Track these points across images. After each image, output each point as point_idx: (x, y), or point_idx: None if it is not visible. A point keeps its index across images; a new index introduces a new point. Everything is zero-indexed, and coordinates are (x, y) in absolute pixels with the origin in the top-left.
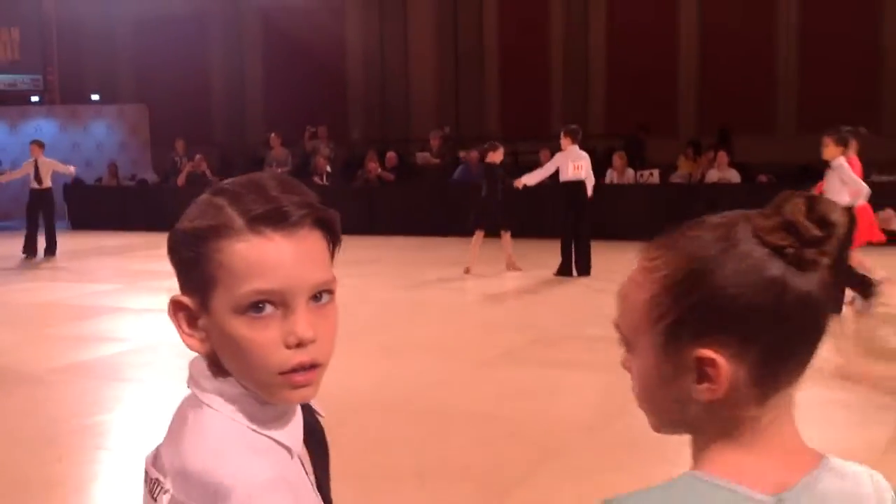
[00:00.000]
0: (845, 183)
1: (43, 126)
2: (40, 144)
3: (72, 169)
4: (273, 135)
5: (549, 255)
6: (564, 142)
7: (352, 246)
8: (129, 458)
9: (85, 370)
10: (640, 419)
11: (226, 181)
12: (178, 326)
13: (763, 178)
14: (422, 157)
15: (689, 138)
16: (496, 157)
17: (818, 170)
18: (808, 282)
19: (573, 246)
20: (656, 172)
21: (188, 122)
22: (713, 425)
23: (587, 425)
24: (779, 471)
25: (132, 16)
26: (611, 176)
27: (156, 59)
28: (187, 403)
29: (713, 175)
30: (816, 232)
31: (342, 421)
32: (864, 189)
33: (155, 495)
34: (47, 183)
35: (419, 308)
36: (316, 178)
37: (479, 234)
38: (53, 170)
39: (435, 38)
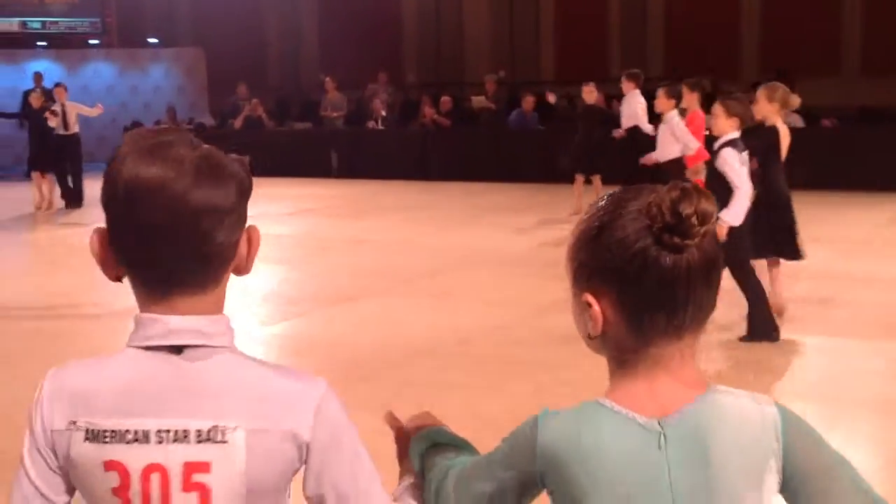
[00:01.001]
0: (676, 136)
1: (101, 69)
2: (64, 88)
3: (96, 111)
4: (328, 78)
5: None
6: (627, 86)
7: (406, 191)
8: None
9: None
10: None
11: None
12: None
13: (826, 122)
14: (477, 101)
15: (751, 82)
16: (591, 97)
17: (881, 112)
18: (674, 260)
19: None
20: None
21: (244, 66)
22: (609, 356)
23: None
24: (665, 399)
25: None
26: None
27: (212, 2)
28: (204, 364)
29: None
30: (670, 219)
31: (396, 364)
32: (693, 143)
33: (218, 439)
34: (74, 128)
35: (474, 255)
36: (371, 123)
37: (578, 179)
38: (79, 113)
39: None
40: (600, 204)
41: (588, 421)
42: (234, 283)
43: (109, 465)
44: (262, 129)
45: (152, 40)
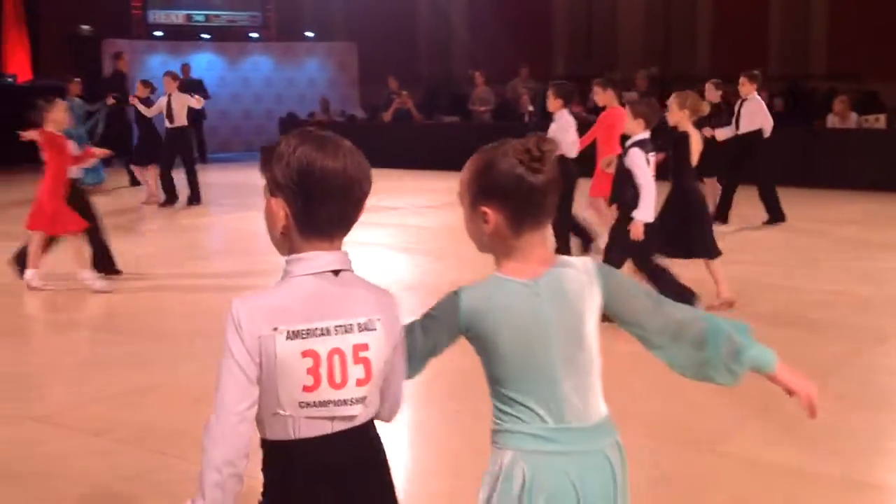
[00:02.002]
0: (556, 132)
1: (260, 62)
2: (174, 76)
3: (199, 102)
4: (477, 73)
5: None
6: (748, 88)
7: None
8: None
9: None
10: (852, 377)
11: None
12: None
13: None
14: (628, 97)
15: None
16: (713, 95)
17: None
18: (536, 179)
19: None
20: (882, 118)
21: (395, 60)
22: (497, 249)
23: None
24: (533, 269)
25: None
26: (832, 121)
27: None
28: (352, 280)
29: None
30: (535, 153)
31: None
32: (567, 144)
33: (371, 328)
34: (181, 121)
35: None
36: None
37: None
38: (188, 105)
39: None
40: (483, 150)
41: (492, 287)
42: (379, 275)
43: (306, 353)
44: (411, 121)
45: (308, 34)
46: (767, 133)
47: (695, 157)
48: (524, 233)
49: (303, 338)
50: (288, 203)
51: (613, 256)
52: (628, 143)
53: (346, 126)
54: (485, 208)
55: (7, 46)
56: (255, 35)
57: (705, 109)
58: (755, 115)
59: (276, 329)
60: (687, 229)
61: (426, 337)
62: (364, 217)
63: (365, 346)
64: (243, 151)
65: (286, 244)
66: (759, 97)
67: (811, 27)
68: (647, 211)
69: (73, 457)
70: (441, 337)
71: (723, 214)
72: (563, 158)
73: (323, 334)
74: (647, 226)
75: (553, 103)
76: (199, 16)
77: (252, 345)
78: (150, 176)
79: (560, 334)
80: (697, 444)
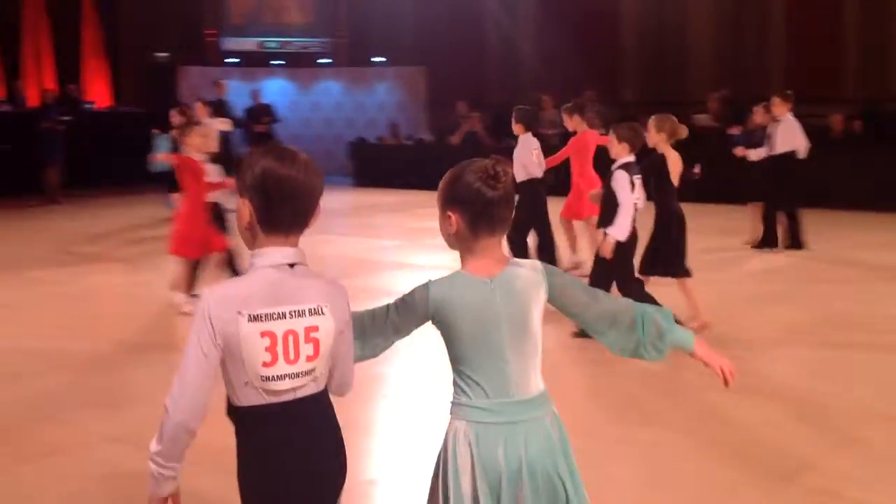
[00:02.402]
0: (519, 154)
1: (331, 87)
2: (205, 103)
3: (227, 125)
4: (545, 96)
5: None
6: (781, 108)
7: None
8: (406, 405)
9: None
10: None
11: None
12: None
13: None
14: (699, 119)
15: None
16: (761, 118)
17: None
18: (491, 193)
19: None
20: None
21: (463, 84)
22: (460, 248)
23: (888, 415)
24: (491, 268)
25: None
26: None
27: (435, 22)
28: (304, 273)
29: None
30: (491, 173)
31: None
32: (532, 167)
33: (320, 313)
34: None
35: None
36: None
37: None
38: (220, 130)
39: None
40: (457, 166)
41: (455, 281)
42: None
43: (264, 334)
44: (480, 145)
45: (378, 59)
46: (802, 154)
47: (674, 178)
48: (481, 237)
49: (262, 321)
50: (252, 204)
51: (600, 280)
52: (614, 166)
53: (414, 149)
54: (450, 213)
55: (87, 75)
56: (325, 60)
57: (683, 133)
58: (789, 135)
59: (239, 313)
60: (667, 248)
61: (398, 316)
62: (433, 240)
63: (315, 328)
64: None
65: (251, 239)
66: (792, 117)
67: (889, 48)
68: (620, 229)
69: None
70: (410, 320)
71: (795, 241)
72: (531, 180)
73: (279, 318)
74: (623, 247)
75: (516, 127)
76: (271, 42)
77: (218, 328)
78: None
79: (509, 323)
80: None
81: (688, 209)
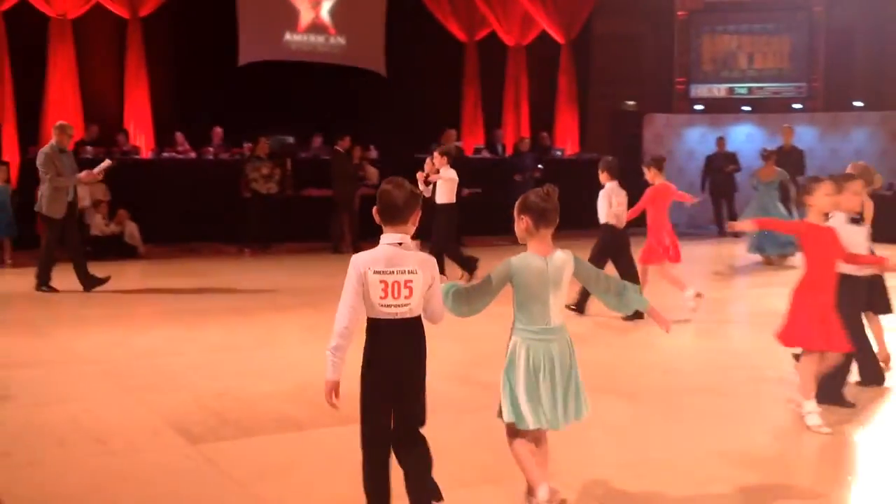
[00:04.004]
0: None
1: (802, 133)
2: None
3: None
4: None
5: None
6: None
7: None
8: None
9: None
10: None
11: None
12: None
13: None
14: None
15: None
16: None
17: None
18: (546, 205)
19: None
20: None
21: None
22: (528, 239)
23: None
24: (545, 250)
25: None
26: None
27: None
28: (407, 248)
29: None
30: (545, 192)
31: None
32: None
33: (415, 272)
34: (439, 198)
35: None
36: None
37: None
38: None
39: None
40: (525, 193)
41: (525, 257)
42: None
43: (381, 281)
44: None
45: (857, 104)
46: None
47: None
48: (540, 230)
49: (381, 274)
50: (377, 208)
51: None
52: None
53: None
54: (522, 217)
55: (559, 123)
56: (798, 106)
57: (878, 182)
58: None
59: (369, 269)
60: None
61: (492, 283)
62: None
63: (410, 281)
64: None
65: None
66: None
67: None
68: None
69: None
70: (499, 283)
71: None
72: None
73: (390, 273)
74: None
75: (602, 176)
76: (741, 88)
77: (360, 275)
78: None
79: (552, 283)
80: None
81: None
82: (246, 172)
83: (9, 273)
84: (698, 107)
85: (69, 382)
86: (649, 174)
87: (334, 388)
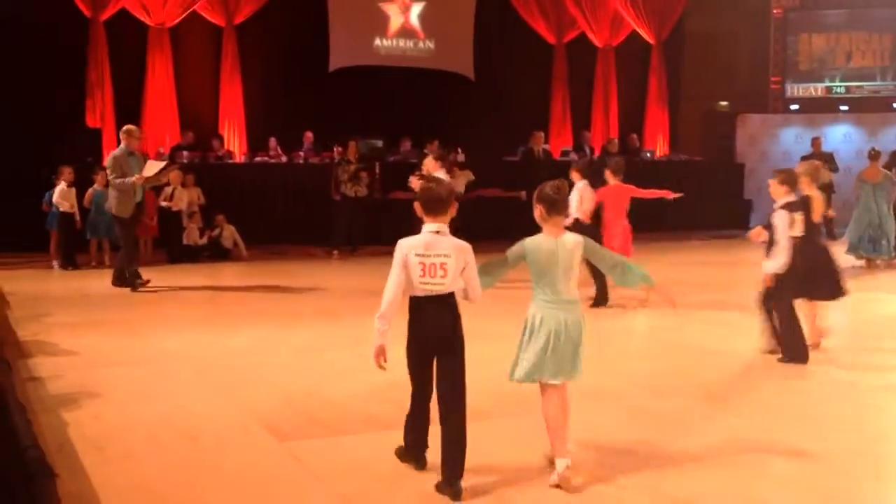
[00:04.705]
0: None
1: None
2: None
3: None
4: None
5: None
6: None
7: None
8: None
9: None
10: None
11: None
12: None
13: None
14: None
15: None
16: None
17: None
18: (557, 196)
19: None
20: None
21: None
22: (543, 224)
23: None
24: (557, 233)
25: None
26: None
27: None
28: (444, 235)
29: None
30: (555, 185)
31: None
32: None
33: (448, 256)
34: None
35: None
36: None
37: None
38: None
39: None
40: (545, 184)
41: (539, 239)
42: None
43: (420, 263)
44: None
45: None
46: None
47: (817, 216)
48: (552, 216)
49: (420, 257)
50: (420, 202)
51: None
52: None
53: None
54: (538, 206)
55: (648, 123)
56: None
57: (826, 177)
58: None
59: (410, 252)
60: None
61: (509, 259)
62: None
63: (445, 264)
64: None
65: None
66: None
67: None
68: (780, 264)
69: None
70: (515, 259)
71: None
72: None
73: (427, 256)
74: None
75: (573, 175)
76: (839, 88)
77: (403, 258)
78: None
79: (563, 262)
80: None
81: None
82: (336, 175)
83: (107, 274)
84: (794, 106)
85: (162, 381)
86: (607, 174)
87: (382, 353)
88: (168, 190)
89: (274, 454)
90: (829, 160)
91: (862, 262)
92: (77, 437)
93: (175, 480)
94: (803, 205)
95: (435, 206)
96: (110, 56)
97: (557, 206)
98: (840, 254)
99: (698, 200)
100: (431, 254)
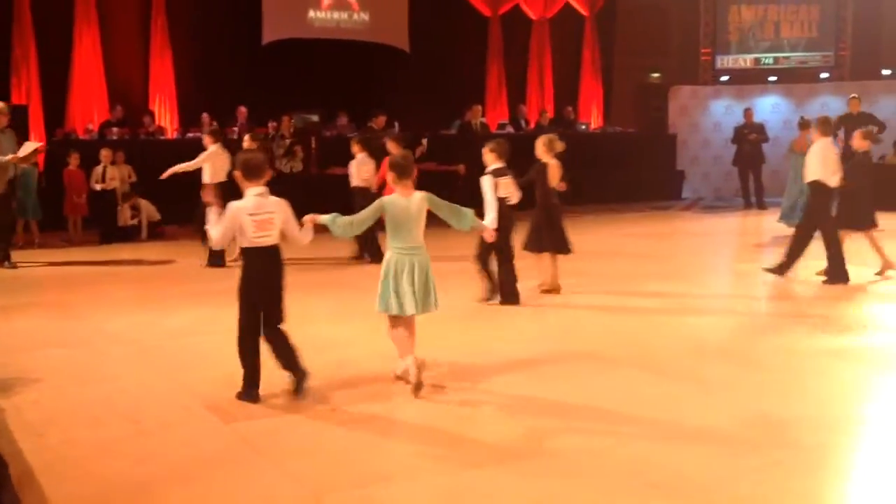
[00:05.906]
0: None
1: (829, 102)
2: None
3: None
4: None
5: None
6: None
7: None
8: None
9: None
10: None
11: None
12: None
13: None
14: None
15: None
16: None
17: None
18: (405, 162)
19: None
20: None
21: None
22: (396, 186)
23: None
24: (407, 194)
25: None
26: None
27: None
28: (267, 197)
29: None
30: (403, 156)
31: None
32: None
33: (273, 212)
34: (214, 177)
35: None
36: None
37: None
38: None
39: None
40: (393, 155)
41: (393, 197)
42: None
43: (253, 221)
44: None
45: (886, 72)
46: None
47: (554, 178)
48: (402, 180)
49: (252, 215)
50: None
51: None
52: (486, 171)
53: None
54: (391, 172)
55: (583, 96)
56: (825, 75)
57: (560, 147)
58: None
59: (242, 212)
60: (550, 231)
61: (371, 213)
62: None
63: (272, 219)
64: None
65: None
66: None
67: None
68: (490, 221)
69: None
70: (375, 212)
71: None
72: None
73: (259, 214)
74: (500, 231)
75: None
76: (767, 59)
77: (235, 216)
78: None
79: (413, 216)
80: None
81: None
82: (270, 151)
83: (37, 253)
84: (724, 78)
85: (101, 363)
86: (392, 145)
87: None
88: (98, 169)
89: (220, 436)
90: (759, 130)
91: (792, 231)
92: (16, 424)
93: (118, 465)
94: (540, 171)
95: (254, 172)
96: (35, 30)
97: (406, 171)
98: (773, 223)
99: (633, 171)
100: (261, 212)
